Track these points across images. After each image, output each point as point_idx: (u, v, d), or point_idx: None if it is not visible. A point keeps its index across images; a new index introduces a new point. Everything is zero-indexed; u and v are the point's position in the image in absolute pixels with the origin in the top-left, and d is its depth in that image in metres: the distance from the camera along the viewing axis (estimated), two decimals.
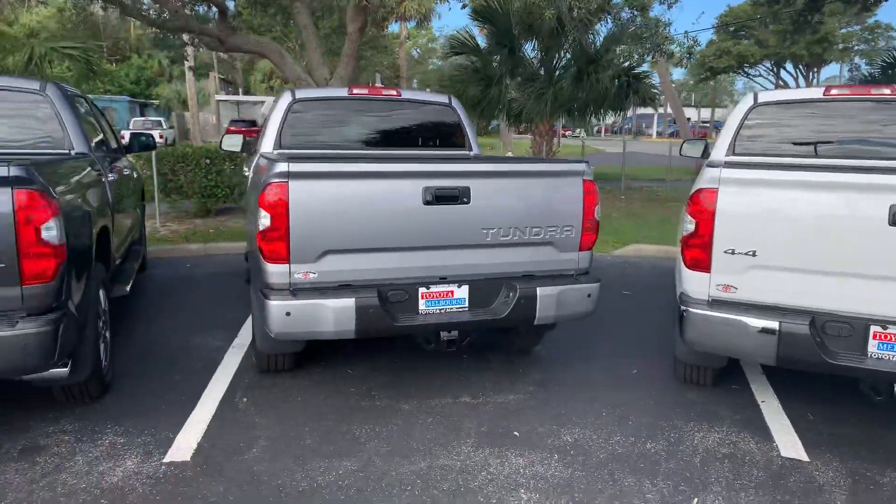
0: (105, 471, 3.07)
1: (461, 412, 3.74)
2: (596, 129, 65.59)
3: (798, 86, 43.52)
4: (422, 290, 3.54)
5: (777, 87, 45.74)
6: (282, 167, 3.24)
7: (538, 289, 3.59)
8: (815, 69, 44.29)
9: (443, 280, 3.60)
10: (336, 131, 5.19)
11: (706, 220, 3.23)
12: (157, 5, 11.92)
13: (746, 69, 42.54)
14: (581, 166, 3.69)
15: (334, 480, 3.02)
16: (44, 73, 8.75)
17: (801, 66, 42.62)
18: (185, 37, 14.25)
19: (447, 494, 2.93)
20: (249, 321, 5.33)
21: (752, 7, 35.06)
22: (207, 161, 10.49)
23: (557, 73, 14.75)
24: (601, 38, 14.61)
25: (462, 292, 3.60)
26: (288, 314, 3.28)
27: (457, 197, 3.45)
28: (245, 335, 5.00)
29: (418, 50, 54.77)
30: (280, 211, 3.24)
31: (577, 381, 4.23)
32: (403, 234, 3.46)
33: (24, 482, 2.96)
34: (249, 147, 6.80)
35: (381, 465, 3.15)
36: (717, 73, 41.03)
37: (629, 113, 16.01)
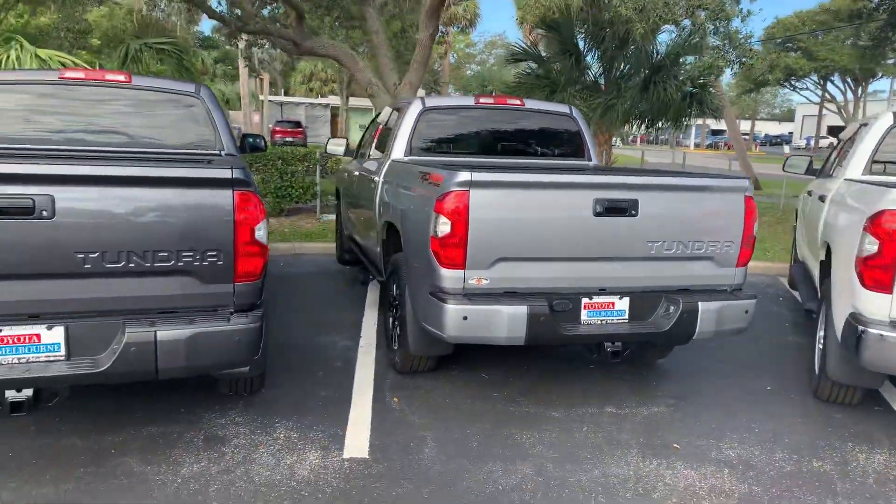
0: (292, 464, 3.17)
1: (611, 422, 3.78)
2: (630, 138, 65.08)
3: (845, 99, 42.75)
4: (584, 300, 3.59)
5: (823, 100, 45.02)
6: (464, 176, 3.33)
7: (700, 303, 3.62)
8: (864, 83, 43.44)
9: (602, 291, 3.65)
10: (463, 139, 5.29)
11: (891, 242, 3.23)
12: (237, 9, 12.17)
13: (793, 82, 41.91)
14: (744, 183, 3.72)
15: (517, 484, 3.08)
16: (142, 69, 9.01)
17: (849, 80, 41.84)
18: (245, 38, 14.54)
19: None
20: (367, 322, 5.47)
21: (799, 19, 34.62)
22: (280, 162, 10.71)
23: (622, 82, 14.71)
24: (663, 47, 14.57)
25: (623, 304, 3.65)
26: (465, 318, 3.36)
27: (626, 209, 3.51)
28: (368, 336, 5.11)
29: (454, 55, 54.94)
30: (460, 218, 3.33)
31: (713, 395, 4.24)
32: (572, 245, 3.52)
33: (220, 471, 3.08)
34: (354, 151, 6.95)
35: (556, 472, 3.21)
36: (762, 85, 40.47)
37: (692, 122, 15.79)
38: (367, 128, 6.99)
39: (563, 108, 5.46)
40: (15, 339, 2.69)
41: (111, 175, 2.72)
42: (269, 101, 42.48)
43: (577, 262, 3.57)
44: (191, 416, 3.62)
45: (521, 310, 3.39)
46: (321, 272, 7.41)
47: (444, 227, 3.37)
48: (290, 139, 29.92)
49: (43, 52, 7.04)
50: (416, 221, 3.80)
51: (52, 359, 2.74)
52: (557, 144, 5.40)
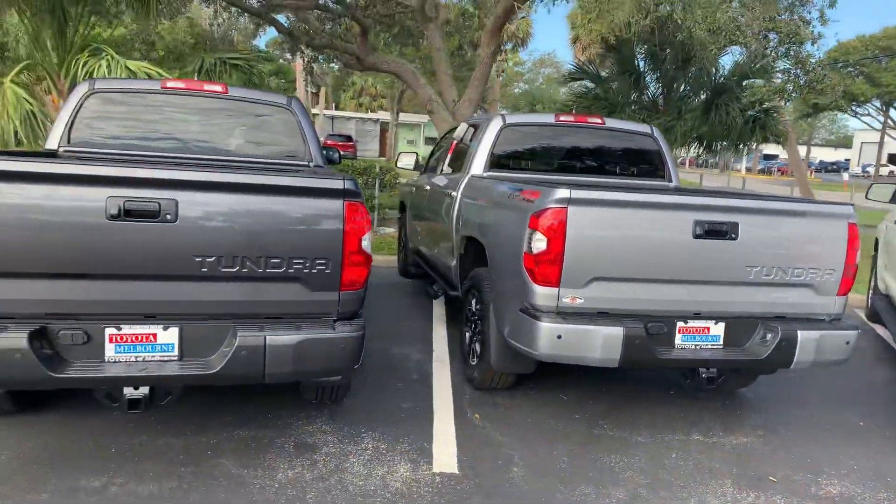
0: (384, 475, 3.18)
1: (700, 450, 3.68)
2: (679, 160, 64.03)
3: None
4: (679, 324, 3.53)
5: (885, 126, 43.56)
6: (562, 193, 3.32)
7: (800, 332, 3.51)
8: None
9: (697, 315, 3.58)
10: (542, 156, 5.29)
11: None
12: (303, 24, 12.52)
13: (854, 107, 40.74)
14: (848, 209, 3.61)
15: None
16: (212, 79, 9.33)
17: None
18: (306, 52, 14.92)
19: None
20: (436, 335, 5.48)
21: (861, 43, 33.70)
22: None
23: (681, 103, 14.52)
24: (726, 69, 14.35)
25: (718, 329, 3.57)
26: (559, 337, 3.33)
27: (726, 232, 3.44)
28: (440, 349, 5.11)
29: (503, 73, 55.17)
30: (557, 235, 3.31)
31: (803, 427, 4.09)
32: (669, 267, 3.46)
33: (314, 479, 3.10)
34: (423, 166, 7.03)
35: (650, 498, 3.14)
36: (822, 110, 39.42)
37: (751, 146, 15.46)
38: (438, 143, 7.05)
39: (645, 129, 5.41)
40: (133, 338, 2.78)
41: (232, 182, 2.80)
42: (336, 115, 43.37)
43: (672, 285, 3.51)
44: (278, 421, 3.67)
45: (616, 331, 3.34)
46: (384, 284, 7.46)
47: (539, 243, 3.36)
48: (342, 153, 30.47)
49: (132, 64, 7.34)
50: (505, 237, 3.79)
51: (166, 358, 2.82)
52: (638, 164, 5.35)
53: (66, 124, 4.18)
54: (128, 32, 11.81)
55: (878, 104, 40.46)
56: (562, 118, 5.25)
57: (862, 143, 65.64)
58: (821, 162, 72.32)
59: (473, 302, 4.44)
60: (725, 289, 3.56)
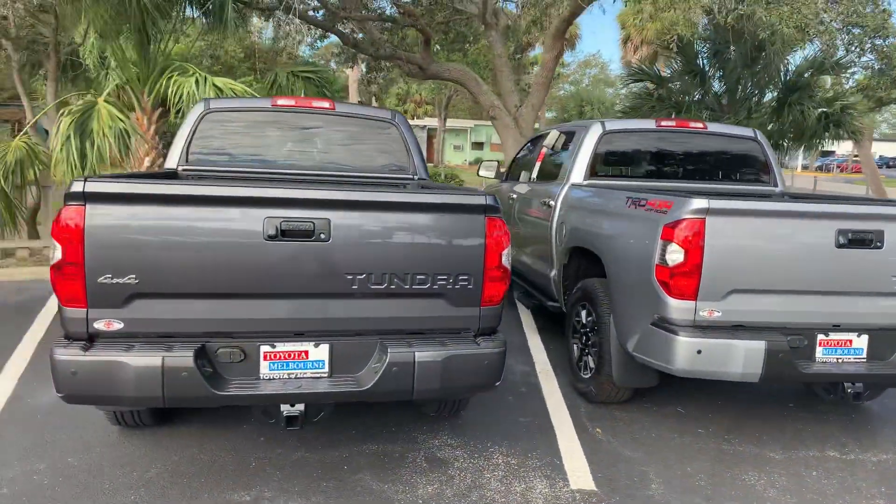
0: (523, 492, 3.15)
1: (840, 468, 3.53)
2: None
3: None
4: (820, 336, 3.40)
5: None
6: (700, 203, 3.24)
7: None
8: None
9: (836, 328, 3.44)
10: (644, 162, 5.19)
11: None
12: (363, 34, 12.66)
13: None
14: None
15: None
16: (284, 93, 9.50)
17: None
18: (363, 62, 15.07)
19: None
20: (533, 346, 5.41)
21: None
22: None
23: (750, 102, 14.12)
24: (795, 66, 13.89)
25: (861, 342, 3.43)
26: (699, 352, 3.24)
27: (871, 241, 3.30)
28: (541, 361, 5.05)
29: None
30: (695, 247, 3.23)
31: None
32: (809, 277, 3.34)
33: (455, 495, 3.09)
34: (504, 174, 7.00)
35: None
36: (886, 103, 37.84)
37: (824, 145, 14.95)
38: (520, 151, 7.01)
39: (748, 132, 5.25)
40: (286, 355, 2.82)
41: (382, 200, 2.82)
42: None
43: (812, 296, 3.38)
44: (404, 435, 3.67)
45: (759, 345, 3.23)
46: None
47: (675, 255, 3.28)
48: None
49: (218, 81, 7.52)
50: (629, 248, 3.72)
51: (317, 375, 2.85)
52: (742, 169, 5.20)
53: (185, 144, 4.30)
54: (191, 46, 12.13)
55: None
56: (663, 123, 5.15)
57: None
58: (880, 157, 69.43)
59: (584, 314, 4.37)
60: (868, 299, 3.41)
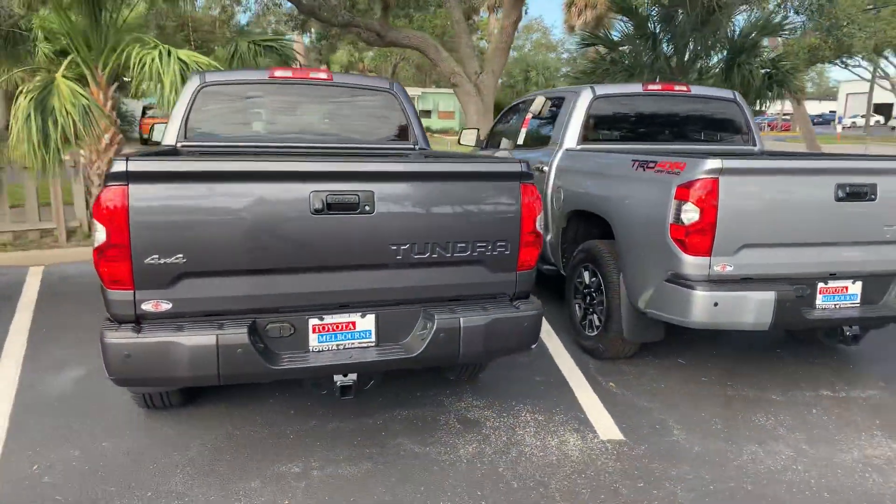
0: (558, 445, 3.30)
1: (835, 405, 3.83)
2: None
3: None
4: (820, 285, 3.64)
5: (874, 76, 43.71)
6: (714, 163, 3.39)
7: None
8: None
9: (833, 276, 3.70)
10: (631, 125, 5.34)
11: None
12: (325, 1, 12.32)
13: (845, 59, 40.73)
14: None
15: (786, 465, 3.16)
16: (247, 64, 9.20)
17: None
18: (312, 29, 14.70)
19: None
20: None
21: None
22: None
23: (700, 63, 14.50)
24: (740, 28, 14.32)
25: (856, 288, 3.70)
26: (716, 304, 3.44)
27: (865, 194, 3.54)
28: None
29: (485, 42, 54.66)
30: (710, 205, 3.40)
31: None
32: (811, 229, 3.57)
33: (495, 452, 3.22)
34: (484, 143, 7.05)
35: (817, 453, 3.28)
36: (812, 63, 39.38)
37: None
38: (499, 118, 7.06)
39: (728, 94, 5.46)
40: (334, 327, 2.85)
41: (423, 171, 2.86)
42: None
43: (812, 248, 3.62)
44: (430, 400, 3.77)
45: (769, 295, 3.45)
46: None
47: (690, 214, 3.44)
48: None
49: (183, 54, 7.21)
50: (640, 209, 3.87)
51: (364, 345, 2.89)
52: (724, 129, 5.42)
53: (182, 119, 4.18)
54: (138, 15, 11.52)
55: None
56: (650, 87, 5.29)
57: (847, 94, 65.90)
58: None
59: (587, 275, 4.53)
60: (862, 248, 3.67)
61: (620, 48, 15.06)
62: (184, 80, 6.16)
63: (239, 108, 4.36)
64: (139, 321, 2.64)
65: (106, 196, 2.51)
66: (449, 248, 2.91)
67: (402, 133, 4.62)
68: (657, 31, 14.95)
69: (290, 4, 12.82)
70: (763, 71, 14.16)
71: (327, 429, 3.42)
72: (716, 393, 3.98)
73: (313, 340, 2.83)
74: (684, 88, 5.36)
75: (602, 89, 5.23)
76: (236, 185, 2.64)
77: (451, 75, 12.75)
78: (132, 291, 2.59)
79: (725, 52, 14.41)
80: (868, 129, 46.47)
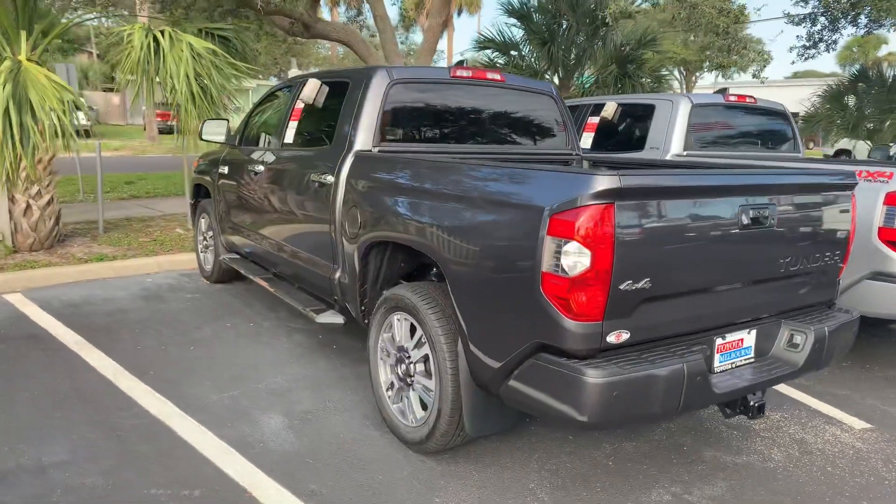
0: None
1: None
2: None
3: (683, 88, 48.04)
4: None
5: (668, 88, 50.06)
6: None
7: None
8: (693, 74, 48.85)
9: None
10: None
11: None
12: None
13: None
14: None
15: None
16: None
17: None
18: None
19: None
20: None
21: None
22: None
23: (584, 70, 15.62)
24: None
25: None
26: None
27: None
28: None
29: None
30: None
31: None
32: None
33: (791, 457, 3.33)
34: None
35: None
36: (725, 67, 43.43)
37: None
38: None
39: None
40: (731, 345, 2.78)
41: (801, 183, 2.89)
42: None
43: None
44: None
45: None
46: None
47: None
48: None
49: (193, 40, 6.17)
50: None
51: (747, 362, 2.84)
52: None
53: (376, 121, 3.68)
54: None
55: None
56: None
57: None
58: None
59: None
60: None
61: (512, 52, 15.73)
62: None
63: (425, 109, 3.96)
64: (596, 355, 2.34)
65: (592, 215, 2.20)
66: (809, 258, 2.96)
67: (564, 138, 4.51)
68: (552, 38, 15.86)
69: None
70: (646, 80, 15.68)
71: (593, 456, 3.26)
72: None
73: (716, 360, 2.73)
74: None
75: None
76: (703, 200, 2.51)
77: None
78: (600, 323, 2.30)
79: (614, 63, 15.74)
80: None
